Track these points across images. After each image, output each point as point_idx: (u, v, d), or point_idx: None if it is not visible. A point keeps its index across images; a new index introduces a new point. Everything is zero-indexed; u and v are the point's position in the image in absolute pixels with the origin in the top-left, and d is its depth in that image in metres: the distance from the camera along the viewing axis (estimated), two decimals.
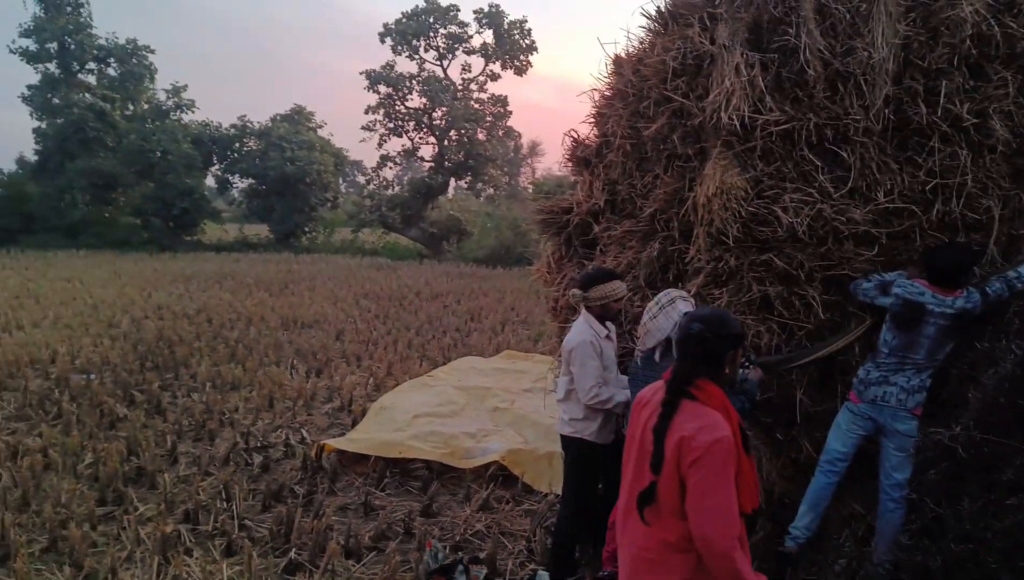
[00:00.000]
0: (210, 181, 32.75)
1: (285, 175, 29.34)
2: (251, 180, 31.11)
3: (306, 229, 31.58)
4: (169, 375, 8.88)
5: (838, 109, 3.66)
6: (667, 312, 3.37)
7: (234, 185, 32.90)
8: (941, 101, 3.51)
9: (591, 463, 3.99)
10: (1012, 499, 2.70)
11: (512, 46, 30.52)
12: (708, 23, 4.20)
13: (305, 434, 6.77)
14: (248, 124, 31.67)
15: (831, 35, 3.71)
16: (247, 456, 6.19)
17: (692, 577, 2.13)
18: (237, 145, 31.34)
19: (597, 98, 5.01)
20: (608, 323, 3.98)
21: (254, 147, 31.01)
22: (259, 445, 6.46)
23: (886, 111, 3.58)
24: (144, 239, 28.31)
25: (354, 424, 6.87)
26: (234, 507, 5.01)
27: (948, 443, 2.97)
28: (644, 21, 4.72)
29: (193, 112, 32.14)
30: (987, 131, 3.50)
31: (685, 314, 2.60)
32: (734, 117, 3.75)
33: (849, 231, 3.55)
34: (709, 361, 2.20)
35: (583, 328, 3.89)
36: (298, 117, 32.64)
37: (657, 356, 3.44)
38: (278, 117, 32.23)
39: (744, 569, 2.04)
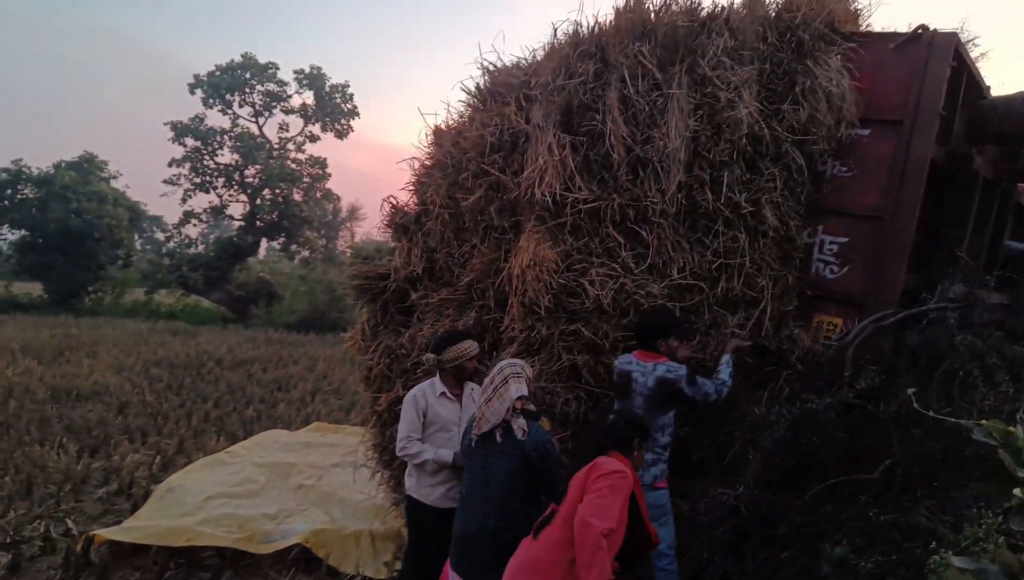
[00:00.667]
0: None
1: (68, 228, 26.29)
2: (24, 232, 27.49)
3: (91, 289, 28.35)
4: None
5: (638, 191, 3.97)
6: (500, 394, 3.25)
7: (2, 237, 28.89)
8: (724, 190, 3.94)
9: (418, 524, 3.88)
10: (787, 552, 2.95)
11: (333, 109, 30.30)
12: (524, 103, 4.44)
13: (71, 524, 5.85)
14: (24, 169, 28.13)
15: (633, 124, 4.05)
16: None
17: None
18: (9, 192, 27.64)
19: (417, 167, 5.07)
20: (471, 384, 3.91)
21: (31, 195, 27.57)
22: (8, 540, 5.48)
23: (679, 196, 3.94)
24: None
25: (134, 510, 6.07)
26: None
27: (733, 503, 3.21)
28: (464, 96, 4.89)
29: None
30: (761, 218, 3.97)
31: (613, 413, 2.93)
32: (547, 193, 3.95)
33: (648, 304, 3.82)
34: (618, 439, 2.84)
35: (422, 384, 3.89)
36: (88, 165, 29.66)
37: (498, 437, 3.23)
38: (63, 164, 29.08)
39: (602, 555, 2.38)
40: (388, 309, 4.89)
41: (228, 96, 28.86)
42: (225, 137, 28.80)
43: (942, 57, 3.97)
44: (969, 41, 4.38)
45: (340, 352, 14.23)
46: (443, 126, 5.05)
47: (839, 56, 4.18)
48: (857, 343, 3.40)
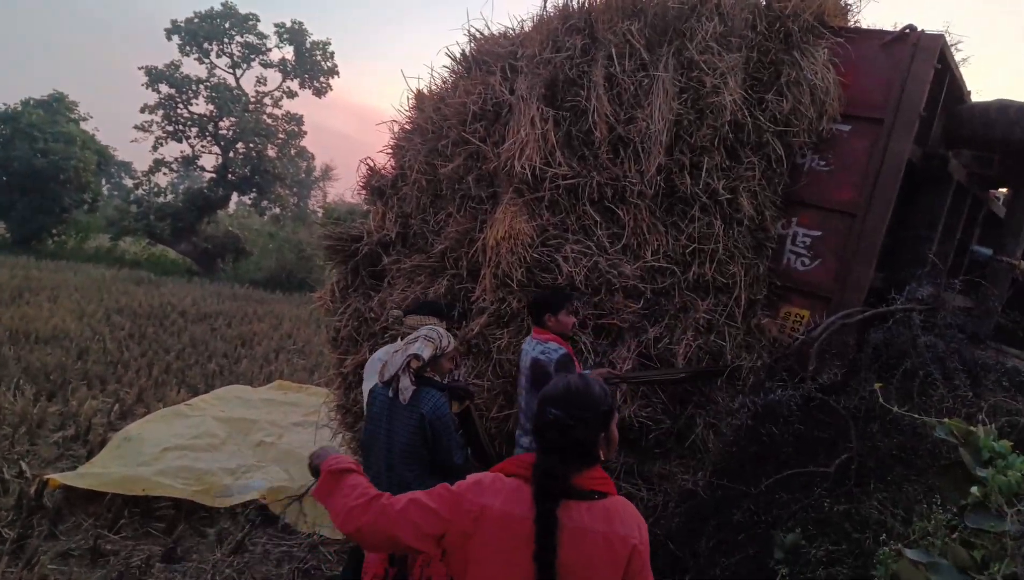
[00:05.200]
0: None
1: (34, 168, 25.42)
2: None
3: (54, 232, 27.57)
4: None
5: (618, 171, 3.96)
6: (406, 349, 3.07)
7: None
8: (703, 176, 3.94)
9: None
10: (741, 536, 3.00)
11: (313, 66, 29.64)
12: (509, 73, 4.37)
13: (25, 467, 5.75)
14: None
15: (617, 102, 4.02)
16: None
17: None
18: None
19: (396, 130, 4.99)
20: None
21: None
22: None
23: (658, 178, 3.93)
24: None
25: (90, 456, 5.98)
26: None
27: (691, 487, 3.25)
28: (448, 62, 4.80)
29: None
30: (737, 206, 3.98)
31: (539, 397, 1.82)
32: (526, 166, 3.90)
33: (620, 284, 3.82)
34: (578, 452, 1.72)
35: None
36: (57, 105, 28.67)
37: (402, 398, 3.02)
38: (31, 102, 28.07)
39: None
40: (359, 272, 4.83)
41: (206, 44, 28.07)
42: (200, 86, 28.03)
43: (927, 58, 3.98)
44: (954, 44, 4.40)
45: (307, 312, 14.09)
46: (426, 91, 4.97)
47: (826, 50, 4.18)
48: (823, 338, 3.44)
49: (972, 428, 1.70)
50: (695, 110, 4.00)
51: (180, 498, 5.14)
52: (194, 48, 27.90)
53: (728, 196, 3.99)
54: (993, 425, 1.90)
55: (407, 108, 4.95)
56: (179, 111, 28.12)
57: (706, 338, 3.85)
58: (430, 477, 2.89)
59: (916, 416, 1.84)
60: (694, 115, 4.00)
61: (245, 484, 5.44)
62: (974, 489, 1.67)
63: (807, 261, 4.17)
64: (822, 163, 4.25)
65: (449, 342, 3.13)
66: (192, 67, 28.15)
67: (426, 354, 2.98)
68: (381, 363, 3.34)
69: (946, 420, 1.74)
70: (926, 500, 2.31)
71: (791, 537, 2.69)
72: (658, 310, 3.91)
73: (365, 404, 3.53)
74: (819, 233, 4.17)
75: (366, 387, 3.59)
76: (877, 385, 2.02)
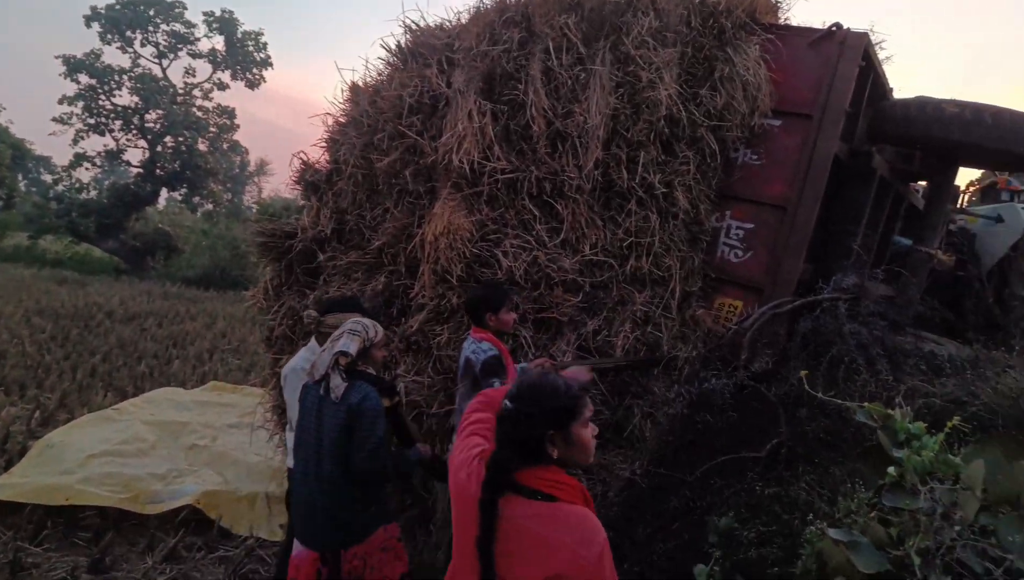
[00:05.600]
0: None
1: None
2: None
3: None
4: None
5: (556, 165, 3.97)
6: (333, 346, 2.95)
7: None
8: (640, 170, 3.98)
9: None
10: (677, 522, 3.06)
11: (245, 57, 28.76)
12: (446, 66, 4.32)
13: None
14: None
15: (554, 97, 4.03)
16: None
17: None
18: None
19: (331, 123, 4.88)
20: None
21: None
22: None
23: (596, 173, 3.96)
24: None
25: (9, 466, 5.67)
26: None
27: (629, 476, 3.30)
28: (384, 54, 4.72)
29: None
30: (673, 200, 4.05)
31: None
32: (465, 161, 3.87)
33: (559, 278, 3.84)
34: (525, 448, 1.67)
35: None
36: None
37: (333, 395, 2.91)
38: None
39: None
40: (293, 269, 4.71)
41: (129, 33, 26.88)
42: (124, 77, 26.85)
43: (852, 56, 4.13)
44: (878, 44, 4.58)
45: (241, 310, 13.70)
46: (361, 83, 4.88)
47: (758, 46, 4.28)
48: (755, 328, 3.54)
49: (890, 411, 1.76)
50: (631, 105, 4.04)
51: (107, 506, 4.93)
52: (116, 36, 26.70)
53: (664, 190, 4.05)
54: (910, 407, 1.98)
55: (342, 100, 4.85)
56: (101, 103, 26.87)
57: (643, 330, 3.90)
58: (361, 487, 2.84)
59: (840, 401, 1.90)
60: (630, 109, 4.04)
61: (177, 489, 5.25)
62: (891, 469, 1.74)
63: (740, 253, 4.27)
64: (755, 158, 4.36)
65: (377, 331, 3.02)
66: (114, 56, 26.89)
67: (353, 349, 2.87)
68: (303, 371, 3.21)
69: (866, 404, 1.80)
70: (850, 481, 2.39)
71: (725, 521, 2.75)
72: (596, 303, 3.94)
73: (291, 413, 3.41)
74: (752, 226, 4.28)
75: (289, 398, 3.45)
76: (803, 373, 2.08)
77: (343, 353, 2.86)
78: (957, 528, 1.69)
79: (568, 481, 1.68)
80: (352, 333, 2.94)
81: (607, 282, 3.97)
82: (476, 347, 3.17)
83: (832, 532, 1.83)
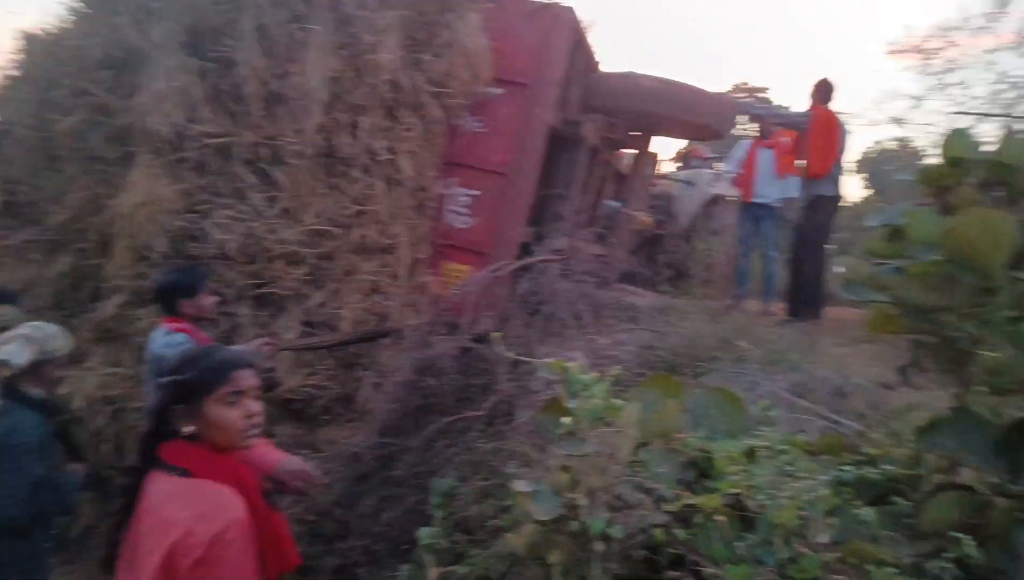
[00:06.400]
0: None
1: None
2: None
3: None
4: None
5: (273, 130, 3.74)
6: None
7: None
8: (364, 136, 3.88)
9: None
10: (402, 489, 3.08)
11: None
12: (142, 16, 3.86)
13: None
14: None
15: (270, 56, 3.77)
16: None
17: None
18: None
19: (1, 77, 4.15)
20: None
21: None
22: None
23: (317, 138, 3.79)
24: None
25: None
26: None
27: (354, 450, 3.25)
28: None
29: None
30: (398, 167, 4.01)
31: None
32: (166, 123, 3.51)
33: (280, 250, 3.64)
34: (155, 420, 1.57)
35: None
36: None
37: None
38: None
39: None
40: None
41: None
42: None
43: (564, 29, 4.36)
44: (586, 20, 4.88)
45: None
46: (38, 30, 4.20)
47: (478, 15, 4.35)
48: (477, 290, 3.64)
49: (566, 365, 1.88)
50: (353, 68, 3.91)
51: None
52: None
53: (389, 157, 3.99)
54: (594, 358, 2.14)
55: (12, 51, 4.15)
56: None
57: (372, 300, 3.85)
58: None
59: (526, 359, 2.00)
60: (352, 72, 3.91)
61: None
62: (565, 419, 1.86)
63: (467, 219, 4.37)
64: (479, 125, 4.46)
65: (64, 342, 2.52)
66: None
67: (22, 359, 2.34)
68: None
69: (547, 360, 1.91)
70: (552, 432, 2.57)
71: (447, 481, 2.82)
72: (322, 275, 3.81)
73: None
74: (477, 192, 4.39)
75: None
76: (495, 334, 2.16)
77: (5, 363, 2.33)
78: (618, 467, 1.86)
79: (213, 457, 1.50)
80: (27, 339, 2.40)
81: (332, 253, 3.84)
82: (169, 340, 2.68)
83: (517, 484, 1.93)
